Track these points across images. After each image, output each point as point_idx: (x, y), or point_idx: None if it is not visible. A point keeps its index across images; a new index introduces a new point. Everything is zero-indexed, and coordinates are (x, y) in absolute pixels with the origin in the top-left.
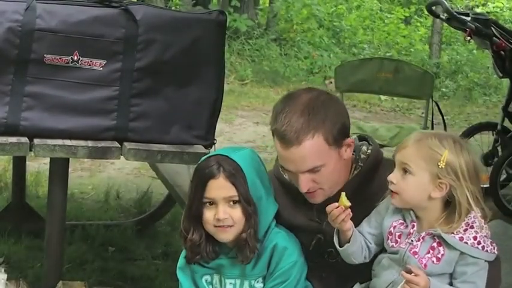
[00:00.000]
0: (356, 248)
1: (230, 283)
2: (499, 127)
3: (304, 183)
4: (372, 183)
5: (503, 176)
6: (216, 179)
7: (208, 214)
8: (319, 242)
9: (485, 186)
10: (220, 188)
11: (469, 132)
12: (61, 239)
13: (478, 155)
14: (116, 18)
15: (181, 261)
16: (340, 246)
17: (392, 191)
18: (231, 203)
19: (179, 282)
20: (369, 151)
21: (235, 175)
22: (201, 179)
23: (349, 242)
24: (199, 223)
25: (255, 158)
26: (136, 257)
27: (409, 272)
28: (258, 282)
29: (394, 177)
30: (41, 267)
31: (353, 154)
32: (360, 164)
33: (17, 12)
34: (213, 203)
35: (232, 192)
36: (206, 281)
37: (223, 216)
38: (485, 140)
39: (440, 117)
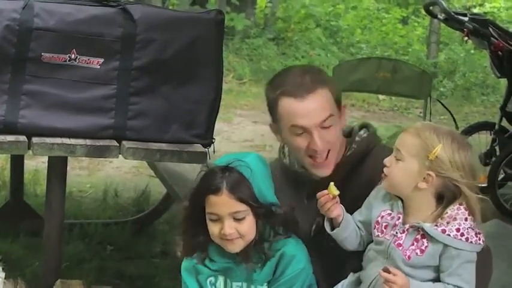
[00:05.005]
0: (348, 234)
1: (237, 286)
2: (496, 127)
3: (320, 140)
4: (362, 165)
5: (501, 176)
6: (220, 196)
7: (214, 228)
8: (318, 225)
9: (483, 185)
10: (224, 205)
11: (467, 132)
12: (59, 237)
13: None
14: (113, 17)
15: (186, 261)
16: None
17: (384, 174)
18: (237, 217)
19: (183, 282)
20: (365, 135)
21: (241, 189)
22: (204, 193)
23: (339, 227)
24: (202, 228)
25: (261, 163)
26: (135, 255)
27: (387, 271)
28: (263, 286)
29: (388, 160)
30: (39, 265)
31: (349, 137)
32: (353, 146)
33: (15, 10)
34: (218, 218)
35: (237, 207)
36: (210, 282)
37: (230, 231)
38: (483, 140)
39: (440, 117)
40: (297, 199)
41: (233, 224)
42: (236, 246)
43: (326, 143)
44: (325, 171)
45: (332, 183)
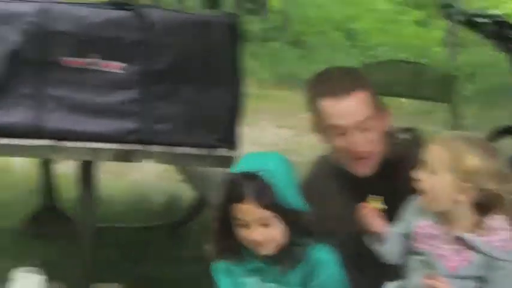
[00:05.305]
0: (390, 248)
1: (269, 287)
2: None
3: (358, 141)
4: (402, 167)
5: None
6: (244, 204)
7: (243, 233)
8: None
9: None
10: (249, 212)
11: (492, 137)
12: (93, 242)
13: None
14: (130, 21)
15: (219, 262)
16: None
17: (419, 191)
18: (264, 223)
19: (217, 283)
20: (407, 137)
21: (265, 196)
22: (229, 201)
23: (381, 241)
24: (233, 233)
25: (285, 165)
26: (167, 259)
27: (432, 277)
28: None
29: (419, 175)
30: (73, 270)
31: (391, 139)
32: (394, 147)
33: (32, 14)
34: (245, 224)
35: (263, 214)
36: (243, 282)
37: (258, 237)
38: (508, 145)
39: (464, 121)
40: (342, 196)
41: (261, 230)
42: (267, 249)
43: (365, 144)
44: (365, 170)
45: (378, 197)
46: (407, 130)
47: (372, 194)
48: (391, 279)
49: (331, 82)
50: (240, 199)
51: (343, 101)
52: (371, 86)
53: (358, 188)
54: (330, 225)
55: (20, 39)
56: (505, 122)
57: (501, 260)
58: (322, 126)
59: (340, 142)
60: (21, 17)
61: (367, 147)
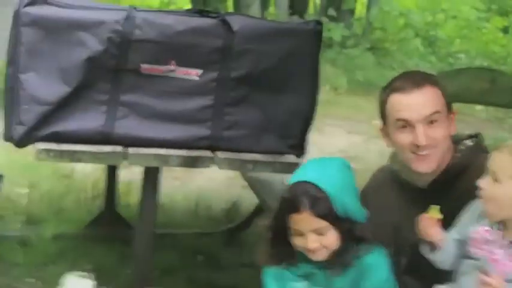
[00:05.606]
0: (445, 256)
1: None
2: None
3: (423, 135)
4: (464, 175)
5: None
6: (301, 214)
7: (298, 242)
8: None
9: None
10: (306, 222)
11: None
12: (150, 247)
13: None
14: (213, 29)
15: (270, 267)
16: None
17: (484, 200)
18: (320, 232)
19: (264, 287)
20: (471, 144)
21: (322, 206)
22: (286, 211)
23: (437, 249)
24: (287, 240)
25: (345, 173)
26: (225, 265)
27: (487, 274)
28: None
29: (483, 183)
30: (131, 274)
31: (455, 145)
32: (457, 154)
33: (117, 22)
34: (301, 233)
35: (319, 224)
36: (293, 287)
37: (313, 246)
38: None
39: None
40: (403, 206)
41: (316, 238)
42: (320, 256)
43: (430, 139)
44: (426, 166)
45: (436, 207)
46: (472, 137)
47: (431, 204)
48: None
49: (402, 79)
50: (295, 209)
51: (410, 94)
52: (443, 86)
53: (418, 199)
54: (386, 234)
55: (103, 47)
56: None
57: None
58: (390, 123)
59: (405, 138)
60: (107, 24)
61: (432, 142)
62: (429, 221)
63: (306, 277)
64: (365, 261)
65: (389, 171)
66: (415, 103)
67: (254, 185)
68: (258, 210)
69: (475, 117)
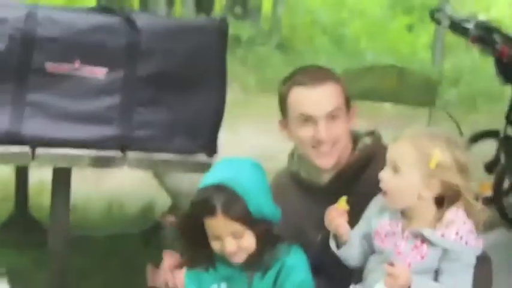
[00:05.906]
0: (353, 251)
1: None
2: (501, 135)
3: (325, 130)
4: (365, 172)
5: (506, 184)
6: (216, 218)
7: (216, 245)
8: (324, 237)
9: (487, 194)
10: (221, 225)
11: (472, 140)
12: (65, 250)
13: (480, 162)
14: (117, 26)
15: (189, 271)
16: (338, 249)
17: (384, 191)
18: (236, 235)
19: None
20: (369, 142)
21: (236, 208)
22: (200, 215)
23: (344, 243)
24: (204, 242)
25: (257, 173)
26: (141, 267)
27: (391, 265)
28: None
29: (384, 175)
30: (45, 278)
31: (354, 143)
32: (356, 152)
33: (18, 19)
34: (217, 237)
35: (234, 227)
36: None
37: (231, 249)
38: (488, 148)
39: (445, 124)
40: (305, 206)
41: (233, 241)
42: (239, 259)
43: (331, 134)
44: (327, 162)
45: (344, 198)
46: (370, 134)
47: (333, 201)
48: (356, 283)
49: (303, 74)
50: (210, 214)
51: (313, 90)
52: (343, 82)
53: (319, 197)
54: (290, 237)
55: (4, 45)
56: (486, 127)
57: (458, 252)
58: (292, 117)
59: (306, 132)
60: (7, 22)
61: (332, 137)
62: (336, 212)
63: (226, 280)
64: (284, 262)
65: (288, 174)
66: (319, 99)
67: (166, 184)
68: (170, 211)
69: (383, 115)
